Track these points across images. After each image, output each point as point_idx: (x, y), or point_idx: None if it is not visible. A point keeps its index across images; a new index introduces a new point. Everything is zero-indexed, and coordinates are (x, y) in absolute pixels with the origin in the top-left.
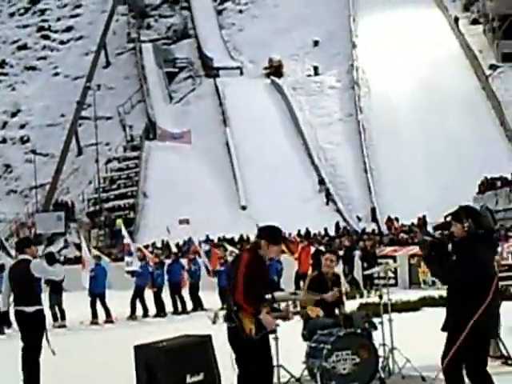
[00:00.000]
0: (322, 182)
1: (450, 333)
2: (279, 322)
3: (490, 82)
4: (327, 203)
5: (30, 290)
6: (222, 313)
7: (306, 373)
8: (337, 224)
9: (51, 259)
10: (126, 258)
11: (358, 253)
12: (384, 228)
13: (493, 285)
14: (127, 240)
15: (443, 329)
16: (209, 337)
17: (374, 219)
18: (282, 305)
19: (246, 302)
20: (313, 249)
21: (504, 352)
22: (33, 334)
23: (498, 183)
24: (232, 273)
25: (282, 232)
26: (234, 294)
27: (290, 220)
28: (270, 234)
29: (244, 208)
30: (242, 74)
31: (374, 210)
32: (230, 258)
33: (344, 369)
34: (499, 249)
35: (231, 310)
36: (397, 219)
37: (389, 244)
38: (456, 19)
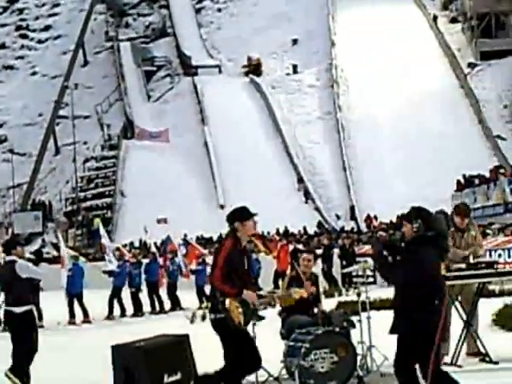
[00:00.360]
0: (300, 180)
1: (398, 335)
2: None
3: (469, 81)
4: (306, 201)
5: (18, 290)
6: (200, 312)
7: (284, 371)
8: (319, 223)
9: (39, 258)
10: (107, 258)
11: (336, 251)
12: (363, 226)
13: (437, 287)
14: (105, 240)
15: (390, 331)
16: (186, 336)
17: (353, 217)
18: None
19: (225, 283)
20: (291, 247)
21: (481, 349)
22: (22, 334)
23: (476, 181)
24: (212, 262)
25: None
26: (213, 281)
27: (269, 218)
28: (238, 214)
29: (222, 207)
30: (220, 72)
31: (352, 208)
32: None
33: (322, 367)
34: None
35: (218, 301)
36: (375, 217)
37: (367, 242)
38: (435, 17)
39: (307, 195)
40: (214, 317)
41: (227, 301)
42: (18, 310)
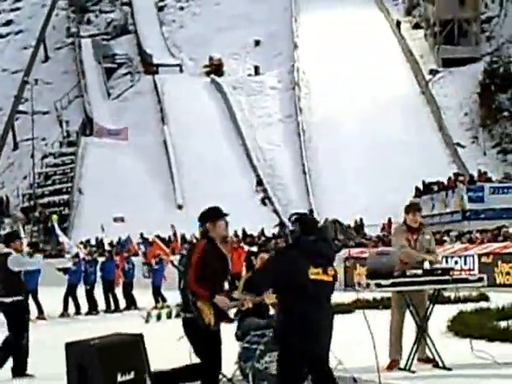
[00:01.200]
0: (260, 182)
1: None
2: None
3: (430, 87)
4: (264, 204)
5: (8, 281)
6: (155, 312)
7: (238, 373)
8: (281, 223)
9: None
10: (68, 256)
11: None
12: None
13: (298, 293)
14: (62, 237)
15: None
16: (141, 336)
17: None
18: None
19: (198, 284)
20: (246, 249)
21: (431, 355)
22: (12, 323)
23: (435, 188)
24: (186, 263)
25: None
26: (186, 281)
27: (227, 220)
28: (209, 214)
29: (180, 207)
30: (181, 71)
31: (311, 212)
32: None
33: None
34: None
35: (189, 301)
36: None
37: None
38: (398, 23)
39: (264, 199)
40: (185, 316)
41: (199, 301)
42: (7, 300)
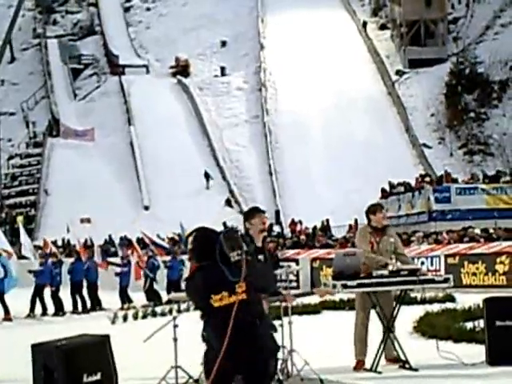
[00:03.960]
0: (207, 175)
1: None
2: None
3: (397, 88)
4: (229, 205)
5: None
6: (122, 313)
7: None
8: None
9: None
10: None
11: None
12: (287, 231)
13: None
14: (23, 239)
15: None
16: (107, 337)
17: (278, 222)
18: None
19: None
20: None
21: (401, 356)
22: None
23: (401, 189)
24: None
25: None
26: None
27: (193, 221)
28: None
29: (147, 208)
30: (148, 72)
31: (278, 213)
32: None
33: None
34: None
35: None
36: (300, 222)
37: (292, 247)
38: (364, 23)
39: (229, 201)
40: None
41: None
42: None
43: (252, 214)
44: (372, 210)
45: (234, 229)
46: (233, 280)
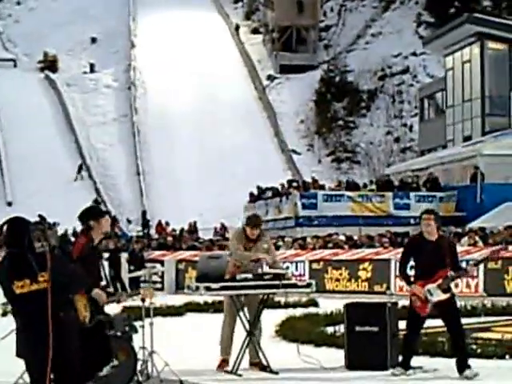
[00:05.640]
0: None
1: None
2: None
3: (267, 93)
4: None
5: None
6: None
7: None
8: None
9: None
10: None
11: (124, 255)
12: (153, 232)
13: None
14: None
15: None
16: None
17: (145, 222)
18: None
19: None
20: None
21: (263, 359)
22: None
23: (269, 193)
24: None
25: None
26: None
27: (57, 219)
28: (92, 212)
29: (10, 204)
30: (15, 66)
31: (144, 214)
32: None
33: (101, 371)
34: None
35: None
36: (167, 223)
37: (157, 248)
38: (237, 27)
39: (97, 201)
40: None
41: (75, 297)
42: None
43: (102, 214)
44: (247, 222)
45: (42, 222)
46: (36, 269)
